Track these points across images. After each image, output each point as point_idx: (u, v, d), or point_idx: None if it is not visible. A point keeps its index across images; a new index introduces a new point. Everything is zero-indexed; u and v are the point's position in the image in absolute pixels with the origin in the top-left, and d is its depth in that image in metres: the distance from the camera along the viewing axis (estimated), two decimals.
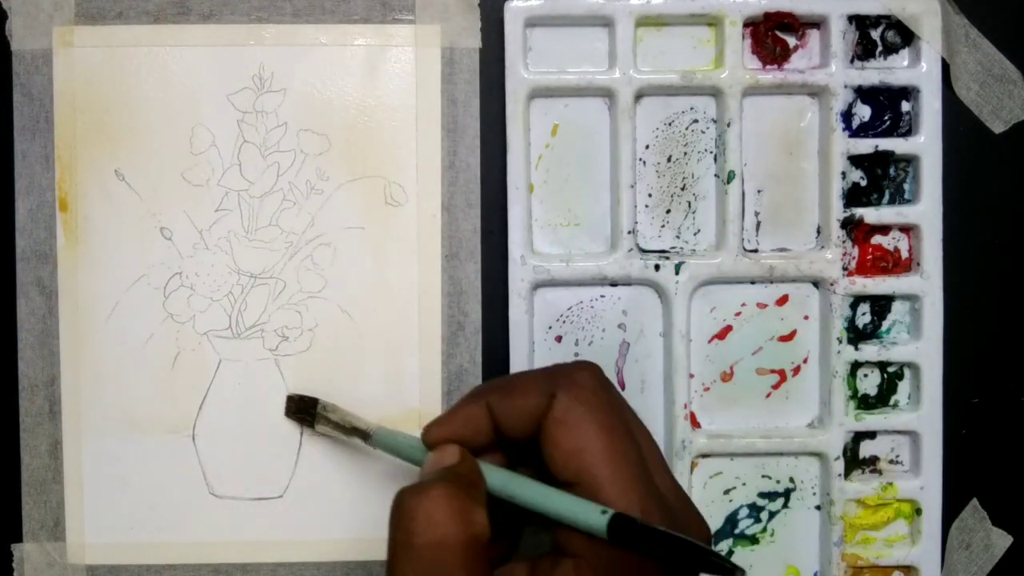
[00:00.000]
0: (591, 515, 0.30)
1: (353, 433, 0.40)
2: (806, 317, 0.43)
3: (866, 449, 0.43)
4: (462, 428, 0.34)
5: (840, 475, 0.42)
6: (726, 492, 0.43)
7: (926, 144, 0.42)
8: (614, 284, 0.43)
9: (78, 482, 0.42)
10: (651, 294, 0.43)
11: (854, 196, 0.43)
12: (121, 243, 0.42)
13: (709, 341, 0.43)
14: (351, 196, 0.42)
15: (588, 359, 0.34)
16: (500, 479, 0.33)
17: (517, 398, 0.33)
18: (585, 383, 0.32)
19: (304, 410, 0.41)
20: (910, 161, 0.43)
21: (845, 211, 0.42)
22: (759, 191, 0.43)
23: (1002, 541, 0.43)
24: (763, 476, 0.43)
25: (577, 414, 0.31)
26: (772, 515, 0.44)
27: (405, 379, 0.42)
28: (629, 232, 0.42)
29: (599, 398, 0.32)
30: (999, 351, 0.44)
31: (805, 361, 0.43)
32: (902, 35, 0.43)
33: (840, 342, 0.42)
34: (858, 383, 0.43)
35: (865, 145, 0.42)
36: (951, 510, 0.43)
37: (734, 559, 0.43)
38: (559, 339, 0.43)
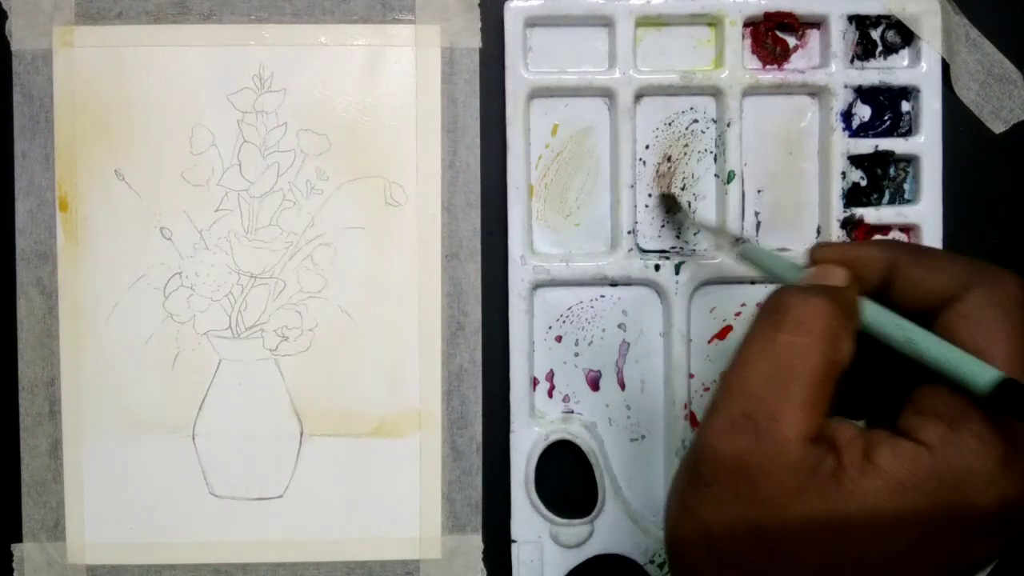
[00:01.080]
0: (982, 372, 0.27)
1: (721, 234, 0.41)
2: None
3: None
4: (855, 262, 0.31)
5: None
6: None
7: (926, 144, 0.42)
8: (614, 284, 0.43)
9: (78, 482, 0.42)
10: (651, 294, 0.43)
11: (854, 196, 0.43)
12: (121, 243, 0.42)
13: (709, 341, 0.43)
14: (351, 196, 0.42)
15: (1009, 270, 0.31)
16: (882, 314, 0.30)
17: (928, 271, 0.30)
18: (1009, 290, 0.29)
19: (672, 209, 0.42)
20: (910, 161, 0.43)
21: (845, 211, 0.42)
22: (759, 191, 0.43)
23: None
24: None
25: (990, 316, 0.29)
26: None
27: (405, 379, 0.42)
28: (629, 232, 0.42)
29: (1017, 312, 0.29)
30: None
31: None
32: (902, 35, 0.43)
33: None
34: None
35: (865, 145, 0.42)
36: None
37: None
38: (559, 339, 0.43)
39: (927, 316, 0.30)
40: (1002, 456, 0.27)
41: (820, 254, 0.32)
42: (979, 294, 0.29)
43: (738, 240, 0.39)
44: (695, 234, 0.43)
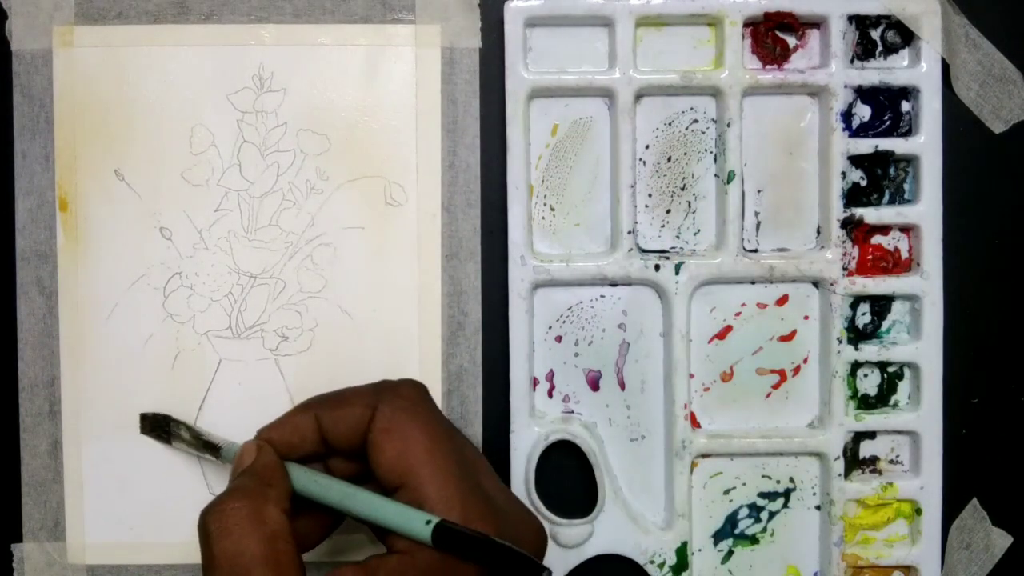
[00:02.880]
0: (415, 523, 0.32)
1: (205, 449, 0.40)
2: (806, 317, 0.43)
3: (866, 449, 0.43)
4: (289, 435, 0.36)
5: (840, 475, 0.42)
6: (726, 492, 0.43)
7: (926, 144, 0.42)
8: (614, 284, 0.43)
9: (78, 482, 0.42)
10: (651, 294, 0.43)
11: (854, 196, 0.43)
12: (121, 243, 0.42)
13: (709, 341, 0.43)
14: (351, 196, 0.42)
15: (409, 378, 0.37)
16: (308, 478, 0.35)
17: (343, 408, 0.35)
18: (408, 395, 0.35)
19: (158, 427, 0.42)
20: (910, 161, 0.43)
21: (845, 211, 0.42)
22: (759, 191, 0.43)
23: (1002, 541, 0.43)
24: (763, 476, 0.43)
25: (399, 421, 0.34)
26: (772, 515, 0.44)
27: None
28: (629, 232, 0.42)
29: (421, 408, 0.35)
30: (999, 351, 0.44)
31: (805, 361, 0.43)
32: (902, 35, 0.43)
33: (840, 342, 0.42)
34: (858, 383, 0.43)
35: (865, 145, 0.42)
36: (951, 510, 0.43)
37: (734, 559, 0.43)
38: (559, 339, 0.43)
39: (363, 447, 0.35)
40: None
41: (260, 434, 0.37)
42: (385, 408, 0.34)
43: (217, 448, 0.40)
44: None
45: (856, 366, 0.43)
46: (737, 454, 0.43)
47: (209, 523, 0.32)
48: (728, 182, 0.42)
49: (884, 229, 0.43)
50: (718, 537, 0.44)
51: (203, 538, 0.32)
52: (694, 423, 0.43)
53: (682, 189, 0.43)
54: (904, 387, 0.43)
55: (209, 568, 0.32)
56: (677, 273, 0.42)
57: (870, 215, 0.42)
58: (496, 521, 0.33)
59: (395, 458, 0.33)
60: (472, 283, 0.42)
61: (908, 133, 0.43)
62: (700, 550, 0.43)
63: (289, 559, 0.32)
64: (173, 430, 0.41)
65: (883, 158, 0.43)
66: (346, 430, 0.35)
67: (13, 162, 0.42)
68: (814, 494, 0.43)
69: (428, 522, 0.32)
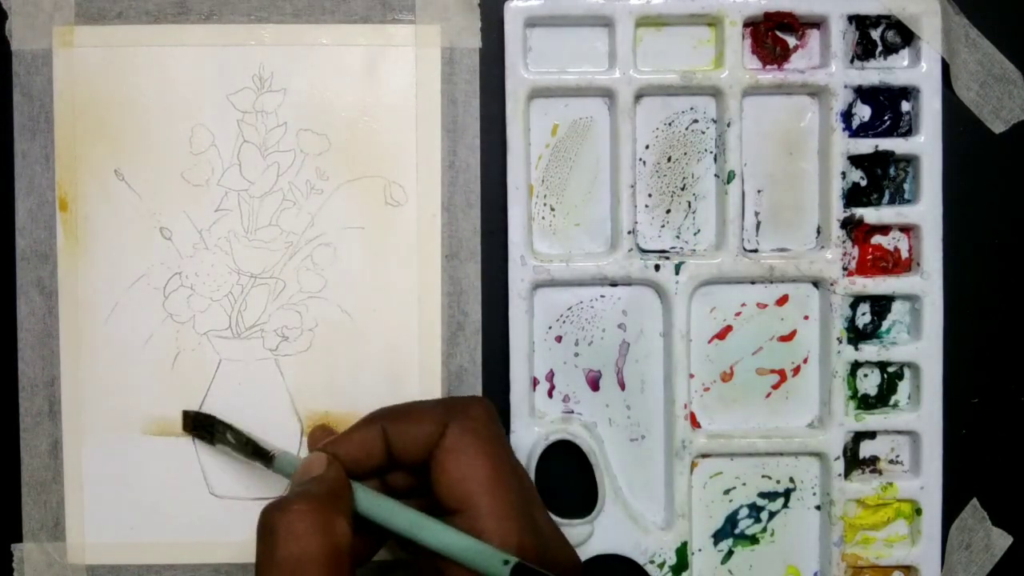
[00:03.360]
0: (492, 562, 0.32)
1: (255, 456, 0.39)
2: (806, 317, 0.43)
3: (866, 449, 0.43)
4: (356, 449, 0.35)
5: (840, 475, 0.42)
6: (726, 492, 0.43)
7: (926, 144, 0.42)
8: (614, 284, 0.43)
9: (78, 482, 0.42)
10: (651, 294, 0.43)
11: (854, 196, 0.43)
12: (121, 243, 0.42)
13: (709, 341, 0.43)
14: (351, 196, 0.42)
15: (478, 396, 0.37)
16: (374, 501, 0.35)
17: (412, 424, 0.35)
18: (477, 415, 0.35)
19: (201, 426, 0.41)
20: (910, 161, 0.43)
21: (845, 211, 0.42)
22: (759, 191, 0.43)
23: (1002, 541, 0.43)
24: (763, 476, 0.43)
25: (467, 444, 0.34)
26: (772, 515, 0.44)
27: (405, 379, 0.42)
28: (629, 232, 0.42)
29: (489, 431, 0.35)
30: (999, 351, 0.44)
31: (805, 361, 0.43)
32: (902, 35, 0.43)
33: (840, 342, 0.42)
34: (858, 383, 0.43)
35: (865, 145, 0.42)
36: (951, 510, 0.43)
37: (734, 559, 0.43)
38: (559, 339, 0.43)
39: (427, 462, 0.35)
40: None
41: (312, 439, 0.37)
42: (455, 428, 0.34)
43: (269, 457, 0.39)
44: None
45: (856, 366, 0.43)
46: (737, 454, 0.43)
47: (276, 522, 0.32)
48: (728, 182, 0.42)
49: (884, 229, 0.43)
50: (718, 537, 0.44)
51: (266, 536, 0.32)
52: (694, 423, 0.43)
53: (682, 189, 0.43)
54: (904, 387, 0.43)
55: (267, 566, 0.31)
56: (677, 273, 0.42)
57: (870, 215, 0.42)
58: (547, 557, 0.34)
59: (458, 482, 0.33)
60: (472, 283, 0.42)
61: (908, 133, 0.43)
62: (700, 550, 0.43)
63: (348, 573, 0.32)
64: (218, 432, 0.41)
65: (883, 158, 0.43)
66: (413, 446, 0.35)
67: (13, 162, 0.42)
68: (814, 494, 0.43)
69: (506, 562, 0.32)
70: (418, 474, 0.36)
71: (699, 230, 0.43)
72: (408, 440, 0.35)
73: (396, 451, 0.35)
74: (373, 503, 0.35)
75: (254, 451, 0.39)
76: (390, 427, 0.35)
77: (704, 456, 0.43)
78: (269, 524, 0.32)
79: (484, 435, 0.34)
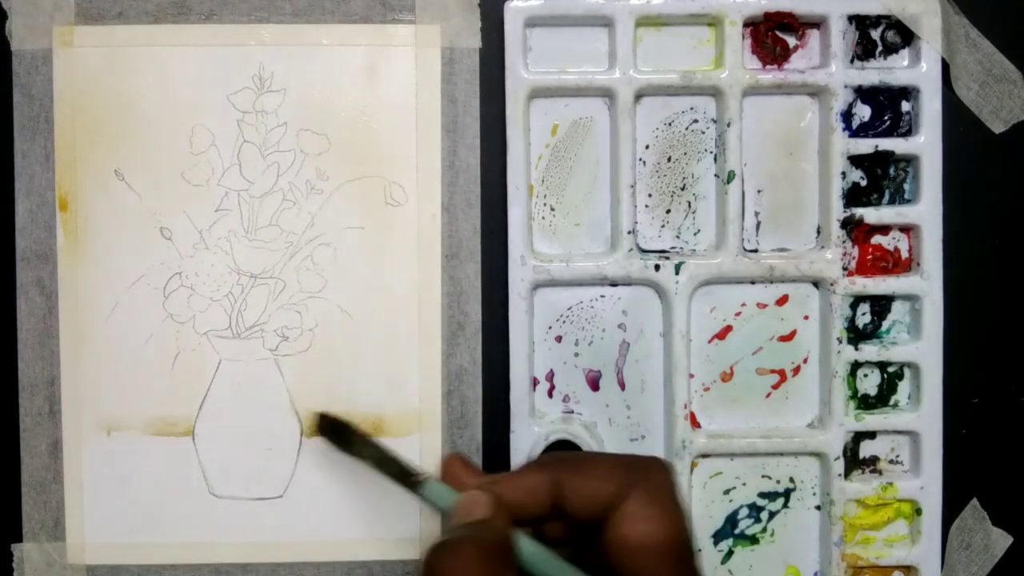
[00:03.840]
0: None
1: (399, 478, 0.36)
2: (806, 317, 0.43)
3: (866, 449, 0.43)
4: (523, 496, 0.34)
5: (840, 475, 0.42)
6: (726, 492, 0.43)
7: (926, 144, 0.42)
8: (614, 284, 0.43)
9: (78, 482, 0.42)
10: (651, 294, 0.43)
11: (854, 196, 0.43)
12: (121, 243, 0.42)
13: (709, 341, 0.43)
14: (351, 196, 0.42)
15: (661, 459, 0.35)
16: (552, 566, 0.33)
17: (592, 480, 0.33)
18: (662, 484, 0.33)
19: (336, 432, 0.40)
20: (910, 161, 0.43)
21: (845, 211, 0.42)
22: (759, 191, 0.43)
23: (1002, 541, 0.43)
24: (763, 476, 0.43)
25: (651, 514, 0.32)
26: (772, 515, 0.44)
27: (405, 379, 0.42)
28: (629, 232, 0.42)
29: (673, 502, 0.33)
30: (999, 351, 0.44)
31: (805, 361, 0.43)
32: (902, 35, 0.43)
33: (840, 342, 0.42)
34: (858, 383, 0.43)
35: (865, 145, 0.42)
36: (951, 510, 0.43)
37: (734, 559, 0.43)
38: (559, 339, 0.43)
39: (600, 521, 0.33)
40: None
41: (449, 469, 0.35)
42: (640, 494, 0.33)
43: (416, 481, 0.36)
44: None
45: (856, 366, 0.43)
46: (737, 454, 0.43)
47: (446, 567, 0.30)
48: (728, 182, 0.42)
49: (884, 229, 0.43)
50: (718, 537, 0.44)
51: None
52: (694, 423, 0.43)
53: (682, 189, 0.43)
54: (904, 387, 0.43)
55: None
56: (677, 273, 0.42)
57: (870, 215, 0.42)
58: None
59: (638, 550, 0.32)
60: (472, 283, 0.42)
61: (908, 133, 0.43)
62: (700, 550, 0.43)
63: None
64: (355, 443, 0.39)
65: (883, 158, 0.43)
66: (588, 503, 0.33)
67: (13, 162, 0.42)
68: (814, 494, 0.43)
69: None
70: (578, 527, 0.34)
71: (699, 230, 0.43)
72: (584, 497, 0.33)
73: (568, 505, 0.33)
74: (537, 556, 0.33)
75: (400, 472, 0.36)
76: (567, 480, 0.33)
77: (704, 456, 0.43)
78: (438, 569, 0.30)
79: (669, 507, 0.33)
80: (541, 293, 0.43)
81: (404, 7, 0.42)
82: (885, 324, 0.43)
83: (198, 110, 0.42)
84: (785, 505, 0.44)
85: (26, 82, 0.42)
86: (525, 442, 0.42)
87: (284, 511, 0.42)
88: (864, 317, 0.43)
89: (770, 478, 0.43)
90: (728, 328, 0.43)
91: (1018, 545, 0.44)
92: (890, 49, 0.43)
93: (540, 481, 0.34)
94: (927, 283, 0.42)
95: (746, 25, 0.42)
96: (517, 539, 0.33)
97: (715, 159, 0.43)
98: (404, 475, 0.36)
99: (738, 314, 0.43)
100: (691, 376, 0.43)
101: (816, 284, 0.43)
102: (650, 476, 0.33)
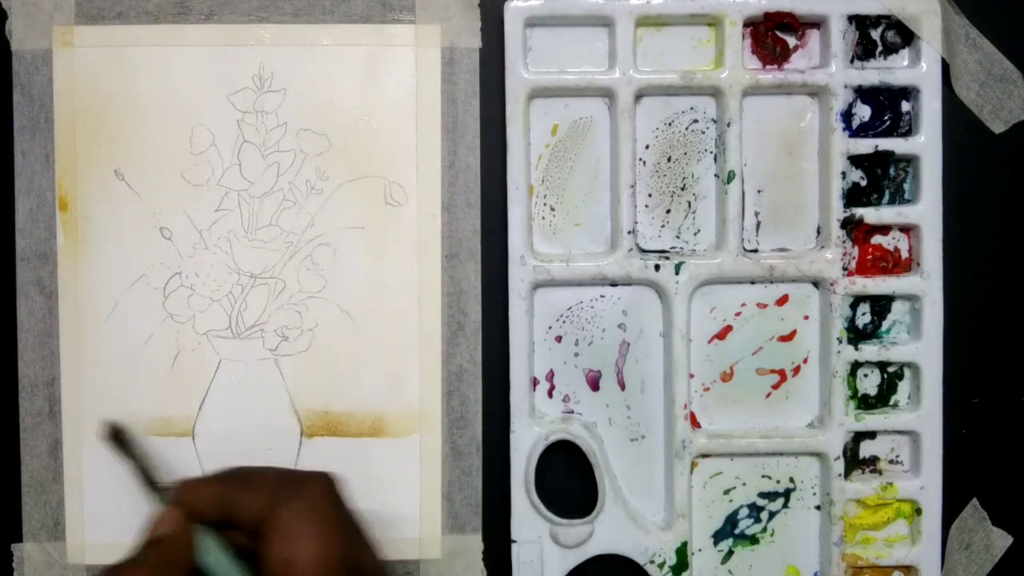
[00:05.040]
0: None
1: (148, 486, 0.38)
2: (806, 317, 0.43)
3: (866, 449, 0.43)
4: (198, 501, 0.35)
5: (840, 475, 0.42)
6: (726, 492, 0.43)
7: (926, 144, 0.42)
8: (614, 284, 0.43)
9: (78, 482, 0.42)
10: (651, 294, 0.43)
11: (854, 196, 0.43)
12: (121, 243, 0.42)
13: (709, 341, 0.43)
14: (351, 196, 0.42)
15: (323, 470, 0.36)
16: (216, 556, 0.34)
17: (248, 493, 0.34)
18: (317, 497, 0.34)
19: (117, 439, 0.40)
20: (910, 161, 0.43)
21: (845, 211, 0.42)
22: (759, 191, 0.43)
23: (1002, 541, 0.43)
24: (763, 476, 0.43)
25: (303, 527, 0.33)
26: (772, 515, 0.44)
27: (405, 379, 0.42)
28: (629, 232, 0.42)
29: (328, 518, 0.33)
30: (999, 351, 0.44)
31: (805, 361, 0.43)
32: (902, 35, 0.43)
33: (840, 342, 0.42)
34: (858, 383, 0.43)
35: (865, 145, 0.42)
36: (951, 510, 0.43)
37: (734, 559, 0.43)
38: (559, 339, 0.43)
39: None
40: None
41: (175, 495, 0.35)
42: (285, 508, 0.33)
43: (156, 487, 0.37)
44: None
45: (856, 366, 0.43)
46: (737, 454, 0.43)
47: None
48: (728, 182, 0.42)
49: (884, 229, 0.43)
50: (718, 537, 0.44)
51: None
52: (694, 423, 0.43)
53: (682, 189, 0.43)
54: (904, 387, 0.43)
55: None
56: (677, 273, 0.42)
57: (870, 215, 0.42)
58: None
59: (282, 565, 0.32)
60: (472, 283, 0.42)
61: (908, 133, 0.43)
62: (700, 550, 0.43)
63: None
64: (127, 447, 0.39)
65: (883, 158, 0.43)
66: (246, 514, 0.34)
67: (13, 162, 0.42)
68: (814, 494, 0.43)
69: None
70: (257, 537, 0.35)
71: (699, 230, 0.43)
72: (241, 508, 0.34)
73: (230, 515, 0.34)
74: (213, 559, 0.34)
75: (149, 481, 0.38)
76: (230, 491, 0.35)
77: (704, 456, 0.43)
78: None
79: (320, 522, 0.33)
80: (541, 293, 0.43)
81: (404, 7, 0.42)
82: (885, 324, 0.43)
83: (198, 110, 0.42)
84: (785, 505, 0.44)
85: (26, 82, 0.42)
86: (525, 442, 0.42)
87: None
88: (864, 317, 0.43)
89: (770, 478, 0.43)
90: (728, 328, 0.43)
91: (1018, 545, 0.44)
92: (890, 49, 0.43)
93: (212, 490, 0.35)
94: (927, 283, 0.42)
95: (746, 25, 0.42)
96: (201, 538, 0.34)
97: (715, 159, 0.43)
98: (150, 484, 0.38)
99: (738, 314, 0.43)
100: (691, 376, 0.43)
101: (816, 284, 0.43)
102: (305, 489, 0.34)
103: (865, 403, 0.43)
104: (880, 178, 0.43)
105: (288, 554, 0.32)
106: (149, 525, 0.35)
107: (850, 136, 0.43)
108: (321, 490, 0.34)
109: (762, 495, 0.43)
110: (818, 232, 0.43)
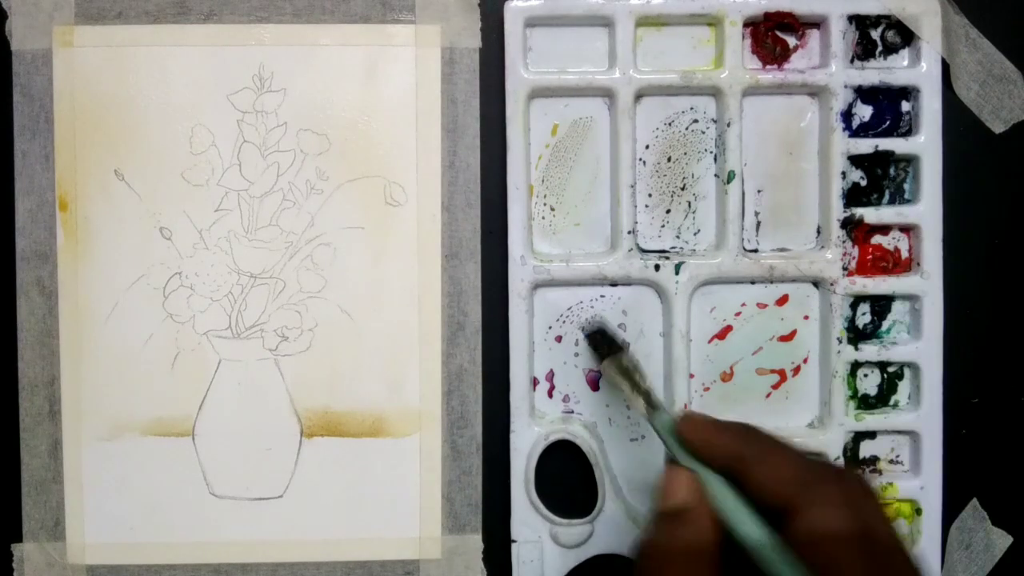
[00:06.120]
0: None
1: (640, 395, 0.36)
2: (806, 317, 0.43)
3: (866, 449, 0.43)
4: (706, 446, 0.32)
5: None
6: None
7: (926, 144, 0.42)
8: (614, 284, 0.43)
9: (78, 482, 0.42)
10: (651, 294, 0.43)
11: (854, 196, 0.43)
12: (121, 243, 0.42)
13: (709, 341, 0.43)
14: (351, 196, 0.42)
15: (848, 466, 0.33)
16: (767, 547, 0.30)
17: (770, 470, 0.31)
18: (852, 477, 0.31)
19: (605, 344, 0.39)
20: (910, 161, 0.43)
21: (845, 211, 0.42)
22: (759, 191, 0.43)
23: (1002, 541, 0.43)
24: None
25: (841, 500, 0.30)
26: None
27: (405, 379, 0.42)
28: (629, 232, 0.42)
29: (861, 510, 0.30)
30: (999, 351, 0.44)
31: (805, 361, 0.43)
32: (902, 35, 0.43)
33: (840, 342, 0.42)
34: (858, 383, 0.43)
35: (865, 145, 0.42)
36: (951, 510, 0.43)
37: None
38: (559, 339, 0.43)
39: (776, 511, 0.30)
40: None
41: (690, 432, 0.33)
42: (815, 512, 0.29)
43: (654, 405, 0.36)
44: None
45: (856, 366, 0.43)
46: None
47: (651, 568, 0.30)
48: (728, 182, 0.42)
49: (884, 229, 0.43)
50: None
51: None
52: None
53: (682, 189, 0.43)
54: (904, 387, 0.43)
55: None
56: (677, 273, 0.42)
57: (870, 215, 0.42)
58: None
59: (821, 537, 0.29)
60: (472, 283, 0.42)
61: (908, 133, 0.43)
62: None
63: None
64: (616, 358, 0.38)
65: (883, 158, 0.43)
66: (765, 490, 0.30)
67: (13, 162, 0.42)
68: None
69: None
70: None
71: (699, 230, 0.43)
72: (763, 480, 0.30)
73: (748, 482, 0.31)
74: (731, 505, 0.31)
75: (645, 394, 0.36)
76: (751, 454, 0.31)
77: None
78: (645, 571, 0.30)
79: (855, 496, 0.30)
80: (541, 293, 0.43)
81: (404, 7, 0.42)
82: (885, 324, 0.43)
83: (198, 110, 0.42)
84: None
85: (26, 82, 0.42)
86: (525, 442, 0.42)
87: (284, 511, 0.42)
88: (864, 317, 0.43)
89: None
90: (728, 328, 0.43)
91: (1018, 545, 0.44)
92: (890, 49, 0.43)
93: (727, 447, 0.32)
94: (927, 283, 0.42)
95: (746, 25, 0.42)
96: (720, 494, 0.31)
97: (715, 159, 0.43)
98: (647, 397, 0.36)
99: (738, 314, 0.43)
100: (691, 376, 0.43)
101: (816, 284, 0.43)
102: (830, 493, 0.30)
103: (865, 403, 0.43)
104: (880, 178, 0.43)
105: (819, 560, 0.29)
106: (659, 490, 0.32)
107: (850, 136, 0.43)
108: (858, 476, 0.31)
109: None
110: (818, 232, 0.43)
